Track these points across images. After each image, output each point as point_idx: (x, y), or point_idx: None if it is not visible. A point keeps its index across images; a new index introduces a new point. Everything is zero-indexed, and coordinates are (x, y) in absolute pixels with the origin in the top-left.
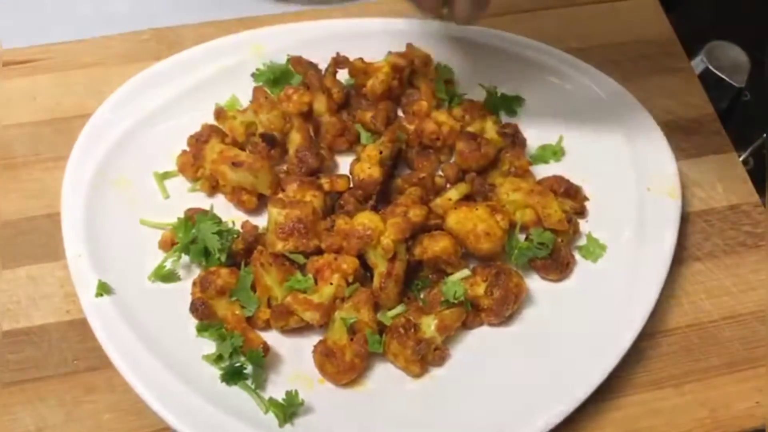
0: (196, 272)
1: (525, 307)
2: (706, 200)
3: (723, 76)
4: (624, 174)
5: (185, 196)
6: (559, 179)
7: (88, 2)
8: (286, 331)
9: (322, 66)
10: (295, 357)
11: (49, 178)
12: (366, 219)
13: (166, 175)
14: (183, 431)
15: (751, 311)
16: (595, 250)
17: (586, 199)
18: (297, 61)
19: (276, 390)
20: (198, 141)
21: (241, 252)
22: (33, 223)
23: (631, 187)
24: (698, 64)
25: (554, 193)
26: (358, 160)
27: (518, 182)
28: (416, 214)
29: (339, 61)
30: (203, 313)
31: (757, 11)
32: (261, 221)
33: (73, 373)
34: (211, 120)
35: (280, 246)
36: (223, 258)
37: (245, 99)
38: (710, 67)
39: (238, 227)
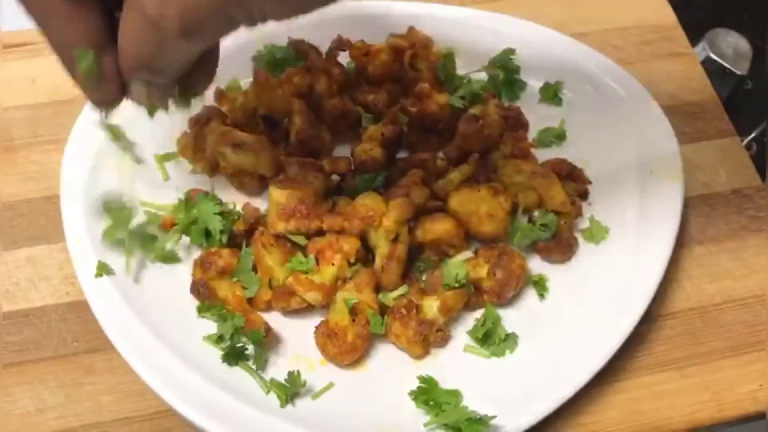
0: (197, 254)
1: (527, 290)
2: (709, 184)
3: (725, 64)
4: (626, 157)
5: (186, 178)
6: (561, 162)
7: None
8: (288, 312)
9: (324, 48)
10: (296, 338)
11: (48, 160)
12: (368, 200)
13: (166, 157)
14: (184, 412)
15: (754, 295)
16: (597, 232)
17: (588, 182)
18: (298, 44)
19: (277, 371)
20: (199, 123)
21: (242, 233)
22: (31, 206)
23: (633, 171)
24: (700, 52)
25: (557, 175)
26: (360, 141)
27: (521, 164)
28: (418, 195)
29: (340, 44)
30: (204, 294)
31: None
32: (262, 204)
33: (72, 354)
34: (211, 102)
35: (281, 227)
36: (225, 239)
37: (246, 82)
38: (712, 55)
39: (238, 209)
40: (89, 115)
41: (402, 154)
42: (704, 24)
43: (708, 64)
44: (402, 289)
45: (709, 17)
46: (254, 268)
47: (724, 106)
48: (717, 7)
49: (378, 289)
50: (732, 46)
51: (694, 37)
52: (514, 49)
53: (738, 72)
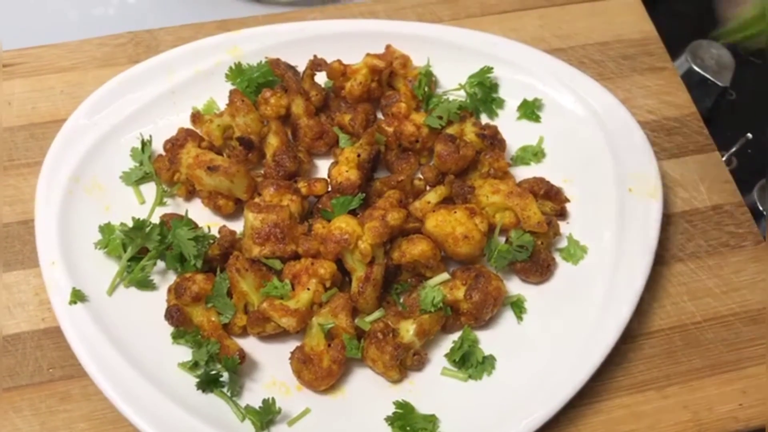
0: (172, 278)
1: (505, 310)
2: (689, 200)
3: (707, 76)
4: (605, 175)
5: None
6: (539, 181)
7: (74, 7)
8: (264, 337)
9: (301, 68)
10: (273, 363)
11: (24, 184)
12: (343, 223)
13: (141, 180)
14: None
15: (734, 312)
16: (576, 252)
17: (566, 200)
18: (275, 64)
19: (253, 397)
20: (174, 145)
21: (217, 257)
22: (7, 230)
23: (612, 188)
24: (682, 64)
25: (535, 194)
26: (336, 163)
27: (497, 184)
28: (394, 217)
29: (317, 63)
30: (179, 319)
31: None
32: (238, 226)
33: (48, 381)
34: (188, 124)
35: (256, 251)
36: (199, 264)
37: (223, 102)
38: (694, 67)
39: (215, 233)
40: (64, 138)
41: (381, 173)
42: (687, 36)
43: (690, 76)
44: (378, 313)
45: (692, 29)
46: (229, 293)
47: (707, 117)
48: (700, 19)
49: (354, 312)
50: (714, 58)
51: (676, 49)
52: (492, 67)
53: (720, 83)
